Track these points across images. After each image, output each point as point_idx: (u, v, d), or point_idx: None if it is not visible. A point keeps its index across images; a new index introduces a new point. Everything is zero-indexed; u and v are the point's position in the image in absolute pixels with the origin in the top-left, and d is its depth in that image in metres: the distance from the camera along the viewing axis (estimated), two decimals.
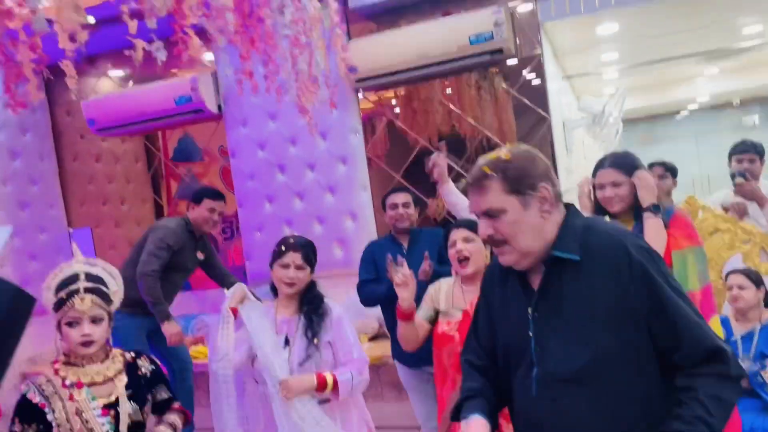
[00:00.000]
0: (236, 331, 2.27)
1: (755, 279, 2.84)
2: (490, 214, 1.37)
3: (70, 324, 1.81)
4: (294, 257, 2.29)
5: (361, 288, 3.18)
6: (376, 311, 3.54)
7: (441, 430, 2.29)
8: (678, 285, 1.36)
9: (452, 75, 3.98)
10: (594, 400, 1.29)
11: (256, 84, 2.68)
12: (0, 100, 3.97)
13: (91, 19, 2.17)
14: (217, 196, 3.52)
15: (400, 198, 3.30)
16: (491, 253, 2.39)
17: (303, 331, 2.26)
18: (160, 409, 1.99)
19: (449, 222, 3.84)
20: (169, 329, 3.24)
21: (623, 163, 2.32)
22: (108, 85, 5.20)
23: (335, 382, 2.22)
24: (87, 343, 1.81)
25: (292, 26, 2.85)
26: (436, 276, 2.74)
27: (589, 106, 4.83)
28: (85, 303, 1.80)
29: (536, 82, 3.92)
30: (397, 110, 4.77)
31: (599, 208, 2.36)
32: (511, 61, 3.95)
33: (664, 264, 1.38)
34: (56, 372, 1.84)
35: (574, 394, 1.31)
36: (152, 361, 2.00)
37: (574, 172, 4.58)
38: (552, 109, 3.89)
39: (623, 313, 1.29)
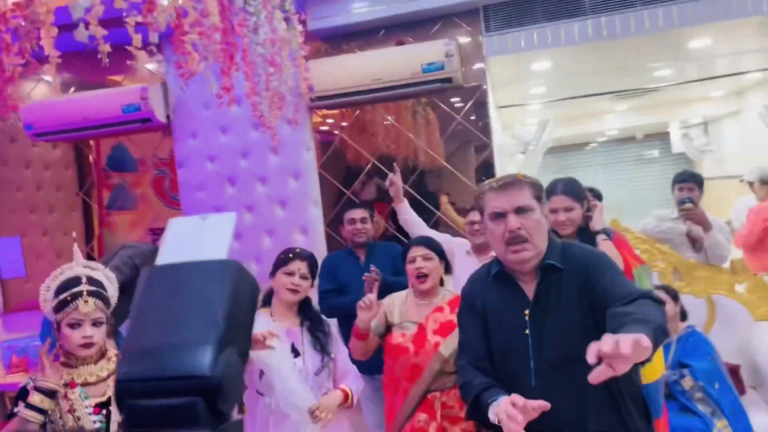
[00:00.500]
0: None
1: (673, 294, 3.21)
2: (522, 210, 1.66)
3: (71, 326, 1.84)
4: (300, 265, 2.39)
5: (324, 298, 3.30)
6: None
7: None
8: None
9: (404, 99, 4.21)
10: (578, 380, 1.48)
11: (233, 99, 2.77)
12: None
13: None
14: None
15: (358, 214, 3.48)
16: (446, 270, 2.61)
17: (312, 345, 2.34)
18: None
19: (392, 237, 4.04)
20: None
21: (573, 190, 2.58)
22: (43, 90, 5.04)
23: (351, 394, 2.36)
24: (88, 345, 1.85)
25: (264, 45, 2.99)
26: (388, 286, 2.92)
27: (522, 136, 5.21)
28: (88, 306, 1.84)
29: (480, 110, 4.22)
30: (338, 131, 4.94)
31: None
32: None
33: (618, 269, 1.72)
34: None
35: (564, 376, 1.57)
36: None
37: None
38: (493, 136, 4.20)
39: (593, 305, 1.60)
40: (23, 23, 2.19)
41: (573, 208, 2.56)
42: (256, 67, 2.87)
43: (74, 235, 2.42)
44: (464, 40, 4.15)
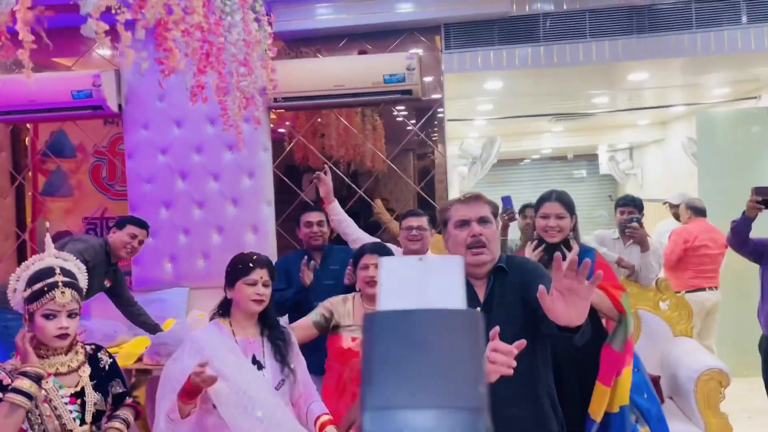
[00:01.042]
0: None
1: None
2: (483, 220, 1.96)
3: (46, 316, 1.83)
4: (261, 273, 2.23)
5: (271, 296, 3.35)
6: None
7: None
8: None
9: (365, 106, 4.32)
10: (521, 370, 1.67)
11: (206, 97, 2.79)
12: None
13: None
14: (141, 224, 3.53)
15: (315, 217, 3.53)
16: None
17: (272, 355, 2.21)
18: (114, 403, 2.04)
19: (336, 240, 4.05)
20: None
21: (566, 201, 2.65)
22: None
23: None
24: (63, 336, 1.84)
25: (237, 45, 3.02)
26: (294, 301, 3.04)
27: (469, 150, 5.41)
28: (65, 296, 1.84)
29: (435, 123, 4.39)
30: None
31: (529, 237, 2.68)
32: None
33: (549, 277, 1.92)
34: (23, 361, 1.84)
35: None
36: (110, 355, 2.06)
37: None
38: (447, 148, 4.38)
39: (530, 305, 1.83)
40: None
41: (564, 217, 2.60)
42: (227, 66, 2.90)
43: (47, 225, 2.35)
44: (424, 54, 4.30)
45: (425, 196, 4.45)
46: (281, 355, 2.22)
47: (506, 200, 4.08)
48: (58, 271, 1.88)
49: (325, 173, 3.47)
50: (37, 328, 1.83)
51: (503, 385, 1.67)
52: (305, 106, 4.18)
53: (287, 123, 4.62)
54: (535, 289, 1.80)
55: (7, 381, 1.79)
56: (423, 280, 0.67)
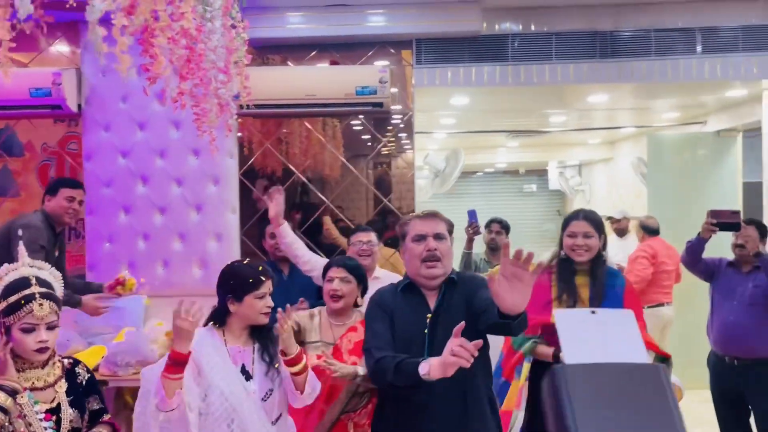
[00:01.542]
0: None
1: None
2: (439, 236, 2.15)
3: (24, 330, 1.74)
4: (269, 285, 2.16)
5: None
6: None
7: None
8: None
9: (335, 117, 4.31)
10: (460, 371, 1.83)
11: (185, 104, 2.72)
12: None
13: None
14: (74, 184, 3.39)
15: None
16: (363, 293, 2.69)
17: (260, 358, 2.16)
18: (91, 420, 1.96)
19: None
20: (86, 309, 3.28)
21: (595, 220, 2.63)
22: None
23: None
24: (43, 350, 1.76)
25: (216, 52, 2.97)
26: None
27: (434, 162, 5.47)
28: (44, 309, 1.76)
29: (403, 134, 4.43)
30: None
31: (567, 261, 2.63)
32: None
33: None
34: None
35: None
36: (88, 370, 1.98)
37: None
38: (415, 160, 4.42)
39: (474, 311, 2.05)
40: None
41: (592, 236, 2.57)
42: (207, 72, 2.85)
43: (20, 233, 2.25)
44: (394, 67, 4.34)
45: (393, 208, 4.46)
46: (269, 355, 2.16)
47: (471, 214, 4.15)
48: (33, 281, 1.80)
49: (279, 193, 3.27)
50: (15, 341, 1.75)
51: (446, 383, 1.88)
52: (276, 114, 4.14)
53: (254, 130, 4.56)
54: (479, 295, 2.06)
55: None
56: (601, 333, 0.67)
